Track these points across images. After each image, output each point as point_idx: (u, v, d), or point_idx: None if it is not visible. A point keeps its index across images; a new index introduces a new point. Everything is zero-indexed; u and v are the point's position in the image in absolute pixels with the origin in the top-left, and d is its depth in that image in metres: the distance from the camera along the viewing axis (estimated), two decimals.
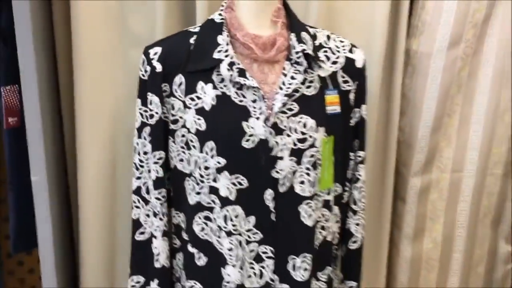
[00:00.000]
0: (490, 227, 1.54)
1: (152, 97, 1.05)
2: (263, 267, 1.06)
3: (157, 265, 1.11)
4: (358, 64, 1.13)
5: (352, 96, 1.13)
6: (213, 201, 1.04)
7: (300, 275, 1.07)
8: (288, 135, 1.02)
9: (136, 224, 1.12)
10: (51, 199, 1.24)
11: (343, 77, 1.11)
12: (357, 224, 1.20)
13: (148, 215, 1.11)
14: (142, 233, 1.12)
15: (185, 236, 1.11)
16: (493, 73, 1.40)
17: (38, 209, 1.22)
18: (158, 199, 1.09)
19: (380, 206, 1.52)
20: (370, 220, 1.51)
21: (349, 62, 1.12)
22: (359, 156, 1.18)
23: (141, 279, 1.13)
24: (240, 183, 1.02)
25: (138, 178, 1.11)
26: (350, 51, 1.13)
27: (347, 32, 1.30)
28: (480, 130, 1.44)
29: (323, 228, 1.12)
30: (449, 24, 1.35)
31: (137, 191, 1.11)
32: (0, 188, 1.69)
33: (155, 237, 1.11)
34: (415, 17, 1.41)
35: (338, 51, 1.12)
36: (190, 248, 1.09)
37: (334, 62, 1.10)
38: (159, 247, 1.10)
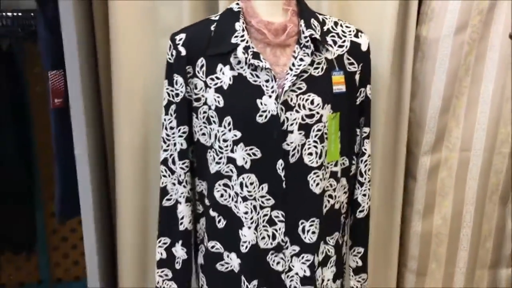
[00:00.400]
0: (498, 205, 1.58)
1: (178, 78, 1.15)
2: (275, 229, 1.16)
3: (181, 227, 1.22)
4: (363, 47, 1.21)
5: (357, 77, 1.21)
6: (231, 170, 1.14)
7: (308, 237, 1.16)
8: (297, 111, 1.11)
9: (164, 191, 1.23)
10: (92, 170, 1.36)
11: (349, 59, 1.19)
12: (364, 195, 1.28)
13: (174, 183, 1.21)
14: (169, 199, 1.23)
15: (207, 202, 1.21)
16: (499, 58, 1.44)
17: (80, 178, 1.35)
18: (182, 168, 1.20)
19: (392, 184, 1.58)
20: (383, 197, 1.58)
21: (355, 45, 1.20)
22: (365, 132, 1.26)
23: (168, 240, 1.24)
24: (254, 154, 1.12)
25: (165, 150, 1.21)
26: (356, 35, 1.21)
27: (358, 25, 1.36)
28: (487, 111, 1.48)
29: (330, 196, 1.20)
30: (456, 11, 1.40)
31: (165, 162, 1.22)
32: (47, 169, 1.84)
33: (179, 203, 1.22)
34: (424, 5, 1.46)
35: (345, 36, 1.20)
36: (211, 212, 1.20)
37: (341, 46, 1.19)
38: (183, 211, 1.22)
